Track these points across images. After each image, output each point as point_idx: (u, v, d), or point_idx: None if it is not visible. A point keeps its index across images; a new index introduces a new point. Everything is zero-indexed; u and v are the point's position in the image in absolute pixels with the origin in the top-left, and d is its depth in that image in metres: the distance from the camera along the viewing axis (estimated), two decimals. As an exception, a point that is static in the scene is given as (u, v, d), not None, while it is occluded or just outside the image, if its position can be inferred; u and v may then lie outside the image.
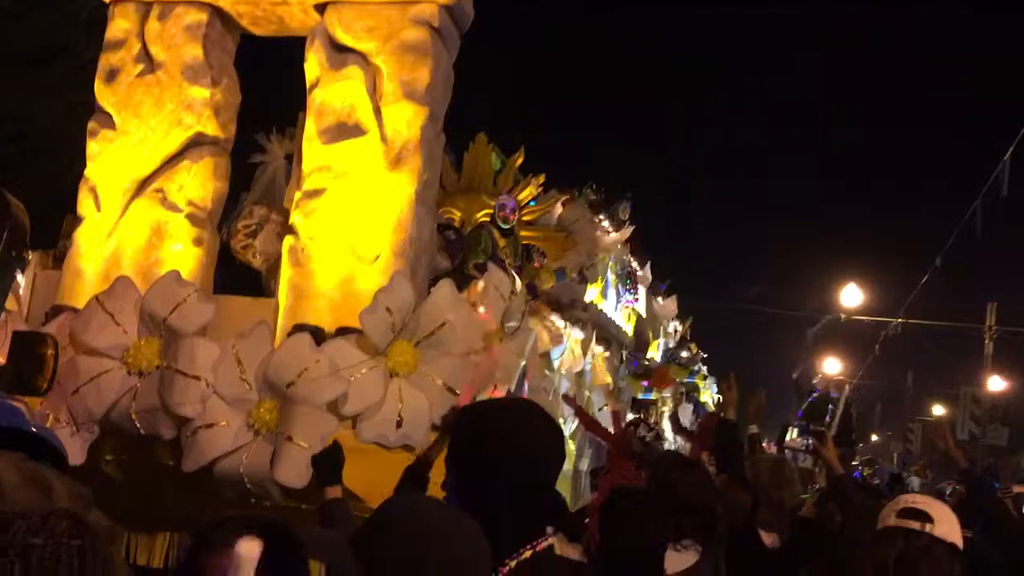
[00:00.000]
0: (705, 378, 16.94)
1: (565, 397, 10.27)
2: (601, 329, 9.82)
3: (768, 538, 4.59)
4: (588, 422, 7.78)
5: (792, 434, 8.03)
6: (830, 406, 14.47)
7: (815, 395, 15.54)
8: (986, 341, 31.11)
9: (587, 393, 8.76)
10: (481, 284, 6.15)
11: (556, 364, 7.67)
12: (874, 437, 41.72)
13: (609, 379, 9.41)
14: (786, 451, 8.14)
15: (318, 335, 5.76)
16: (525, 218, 9.70)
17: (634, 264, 11.88)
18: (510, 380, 6.50)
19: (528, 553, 2.27)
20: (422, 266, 6.29)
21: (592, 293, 10.00)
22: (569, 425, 8.40)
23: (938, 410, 36.57)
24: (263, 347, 5.62)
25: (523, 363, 6.61)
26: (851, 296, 33.52)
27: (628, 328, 11.55)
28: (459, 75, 6.57)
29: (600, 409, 9.18)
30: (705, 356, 17.87)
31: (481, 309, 6.08)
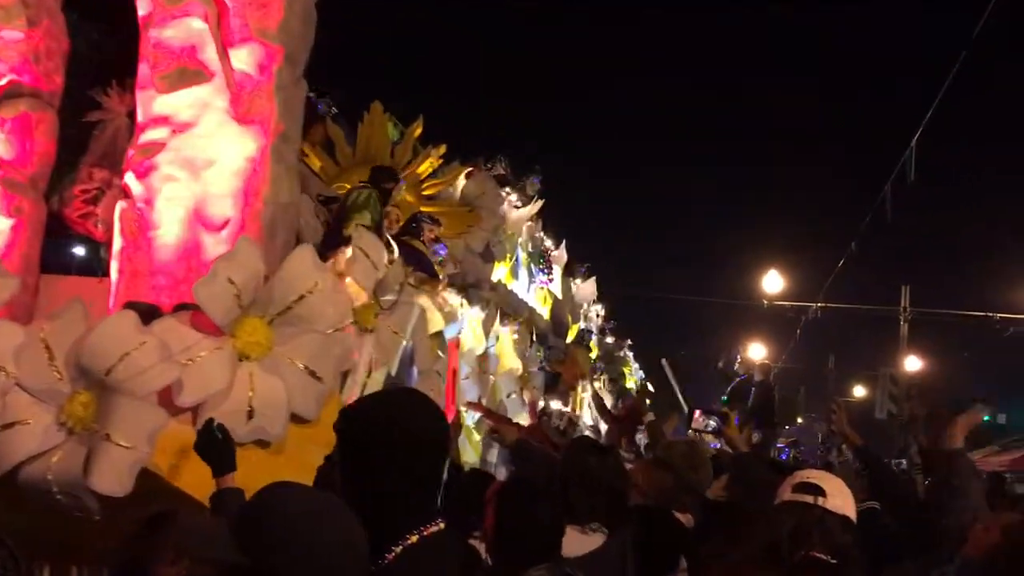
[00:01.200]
0: (626, 364, 15.99)
1: (469, 403, 9.25)
2: (511, 310, 8.79)
3: (684, 518, 4.48)
4: (496, 419, 6.97)
5: (698, 417, 7.42)
6: (752, 388, 13.89)
7: (738, 380, 14.97)
8: (901, 323, 31.01)
9: (491, 378, 7.72)
10: (349, 250, 5.07)
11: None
12: (800, 419, 41.47)
13: (518, 363, 8.39)
14: (692, 432, 7.42)
15: (150, 314, 4.62)
16: (425, 192, 8.64)
17: (548, 243, 10.87)
18: (389, 360, 5.43)
19: (415, 538, 2.18)
20: (281, 233, 5.19)
21: (501, 272, 8.96)
22: (472, 414, 7.35)
23: (859, 391, 36.39)
24: (76, 329, 4.45)
25: (405, 342, 5.54)
26: (772, 282, 33.06)
27: (544, 311, 10.53)
28: (356, 44, 5.49)
29: (509, 395, 8.16)
30: (631, 343, 16.97)
31: (349, 279, 5.00)
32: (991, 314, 28.74)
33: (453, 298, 6.65)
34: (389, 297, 5.35)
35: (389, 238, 5.63)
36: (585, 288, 13.09)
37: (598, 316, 14.24)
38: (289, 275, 4.75)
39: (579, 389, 11.30)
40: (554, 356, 11.31)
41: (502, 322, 8.16)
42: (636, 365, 18.46)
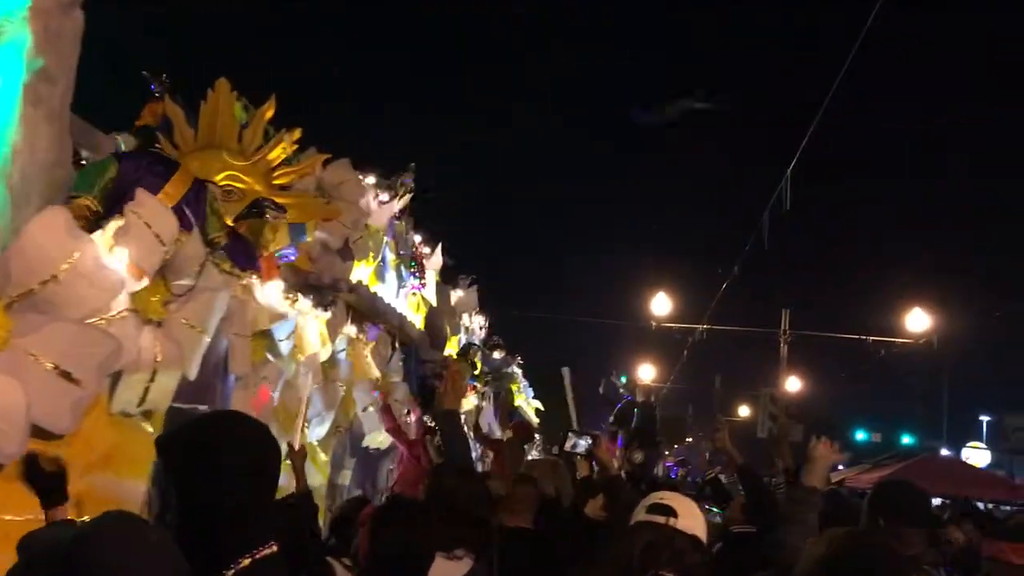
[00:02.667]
0: (514, 381, 14.82)
1: (384, 409, 7.96)
2: (373, 314, 7.56)
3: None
4: (396, 431, 7.24)
5: (570, 440, 6.90)
6: (635, 410, 13.47)
7: (622, 403, 14.46)
8: (782, 344, 31.17)
9: (342, 388, 6.46)
10: (122, 218, 3.77)
11: (286, 348, 5.34)
12: (688, 438, 41.21)
13: (376, 372, 7.17)
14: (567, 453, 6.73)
15: None
16: (277, 180, 7.32)
17: (423, 248, 9.65)
18: (183, 360, 4.14)
19: (247, 562, 2.04)
20: (37, 199, 3.86)
21: (364, 272, 7.70)
22: (317, 431, 6.08)
23: (744, 410, 36.24)
24: None
25: (206, 339, 4.26)
26: (661, 304, 32.86)
27: (417, 319, 9.30)
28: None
29: (365, 409, 6.90)
30: (521, 362, 15.84)
31: (119, 256, 3.71)
32: (864, 336, 28.90)
33: (278, 292, 5.36)
34: (184, 281, 4.08)
35: (185, 209, 4.34)
36: (465, 298, 11.90)
37: (481, 329, 13.07)
38: (33, 246, 3.45)
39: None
40: (432, 369, 10.10)
41: (359, 326, 6.92)
42: (525, 383, 17.32)
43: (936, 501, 21.27)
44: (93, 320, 3.63)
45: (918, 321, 26.53)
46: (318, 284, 7.14)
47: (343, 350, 6.33)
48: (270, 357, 5.20)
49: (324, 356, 5.99)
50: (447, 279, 11.16)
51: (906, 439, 38.11)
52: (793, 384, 31.88)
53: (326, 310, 5.95)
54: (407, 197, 8.28)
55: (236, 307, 4.72)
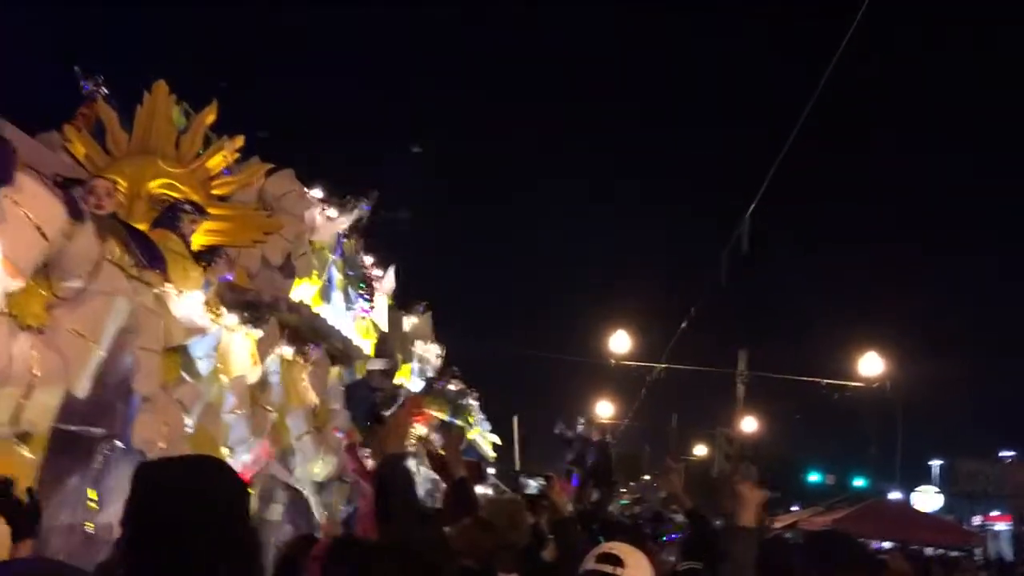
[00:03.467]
0: (469, 414, 14.12)
1: (350, 447, 7.26)
2: (317, 336, 6.92)
3: None
4: (362, 472, 6.42)
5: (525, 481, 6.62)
6: (590, 448, 13.04)
7: (578, 441, 14.04)
8: (738, 385, 30.92)
9: (272, 414, 5.80)
10: (-3, 206, 3.14)
11: (205, 367, 4.70)
12: (646, 476, 40.59)
13: (313, 398, 6.52)
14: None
15: None
16: (217, 191, 6.72)
17: (374, 269, 9.01)
18: (69, 374, 3.50)
19: None
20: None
21: (307, 291, 7.07)
22: (238, 460, 5.40)
23: (700, 450, 35.74)
24: None
25: (98, 351, 3.62)
26: (620, 342, 32.44)
27: (365, 344, 8.64)
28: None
29: (301, 437, 6.24)
30: (476, 394, 15.15)
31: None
32: (819, 380, 28.69)
33: (194, 301, 4.72)
34: (72, 283, 3.45)
35: (81, 204, 3.71)
36: (420, 325, 11.25)
37: (436, 358, 12.41)
38: None
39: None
40: (382, 399, 9.45)
41: (296, 347, 6.28)
42: (482, 416, 16.62)
43: (886, 544, 20.91)
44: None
45: (872, 365, 26.35)
46: (256, 302, 6.51)
47: (276, 372, 5.69)
48: (185, 376, 4.56)
49: (253, 378, 5.35)
50: (400, 304, 10.53)
51: (858, 481, 37.81)
52: (749, 424, 31.64)
53: (256, 327, 5.31)
54: (355, 213, 7.67)
55: (145, 318, 4.09)
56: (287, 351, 6.01)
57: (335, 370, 7.52)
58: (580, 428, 16.91)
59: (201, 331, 4.58)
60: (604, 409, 35.49)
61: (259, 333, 5.37)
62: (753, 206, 17.71)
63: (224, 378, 5.04)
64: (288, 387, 6.11)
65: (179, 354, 4.47)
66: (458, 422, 11.43)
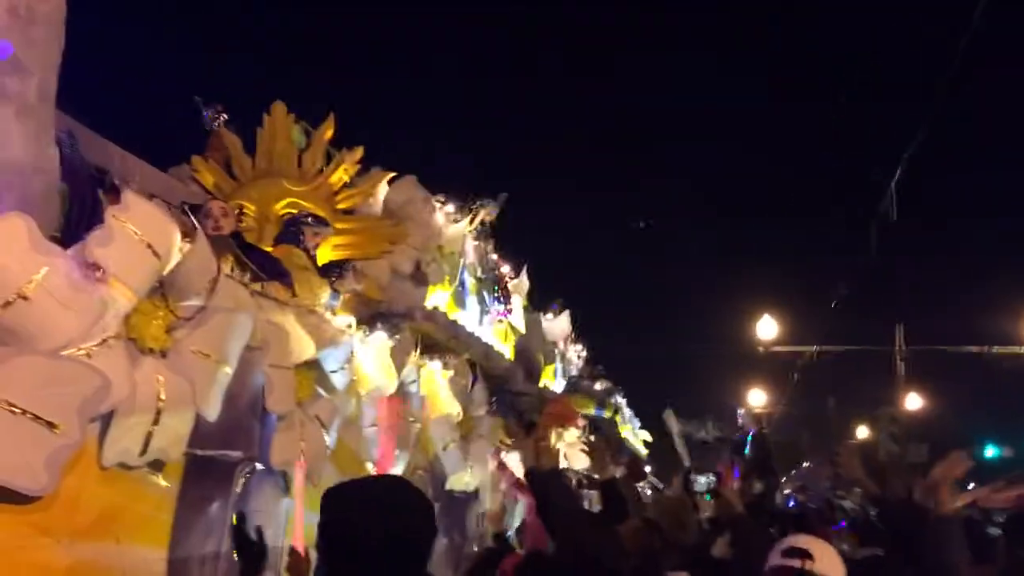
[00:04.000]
0: (617, 412, 13.66)
1: (500, 464, 7.08)
2: (454, 344, 6.68)
3: None
4: (519, 486, 6.52)
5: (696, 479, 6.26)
6: (748, 439, 12.52)
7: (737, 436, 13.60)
8: (897, 361, 29.28)
9: (416, 425, 5.56)
10: (105, 227, 2.98)
11: (341, 381, 4.49)
12: (805, 463, 39.00)
13: (457, 407, 6.27)
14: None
15: None
16: (341, 205, 6.58)
17: (504, 268, 8.71)
18: (197, 396, 3.32)
19: None
20: (5, 206, 3.09)
21: (440, 298, 6.84)
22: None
23: (862, 432, 33.99)
24: None
25: (226, 370, 3.43)
26: (767, 328, 31.25)
27: (505, 348, 8.37)
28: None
29: (446, 448, 6.00)
30: (621, 390, 14.66)
31: (94, 272, 2.91)
32: (987, 348, 26.82)
33: (329, 312, 4.51)
34: (191, 302, 3.27)
35: (192, 219, 3.52)
36: (558, 324, 10.89)
37: (579, 358, 12.02)
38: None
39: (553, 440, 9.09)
40: (528, 403, 9.16)
41: (433, 357, 6.04)
42: (630, 413, 16.14)
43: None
44: (70, 351, 2.84)
45: None
46: (390, 313, 6.32)
47: (414, 382, 5.46)
48: (321, 392, 4.37)
49: (390, 390, 5.13)
50: (536, 305, 10.21)
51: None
52: (913, 402, 30.05)
53: (389, 337, 5.09)
54: (482, 213, 7.40)
55: (272, 334, 3.91)
56: (424, 360, 5.78)
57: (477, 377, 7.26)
58: (740, 419, 16.22)
59: (332, 344, 4.39)
60: (756, 397, 34.43)
61: (392, 343, 5.15)
62: (899, 172, 16.87)
63: (361, 391, 4.84)
64: (429, 396, 5.89)
65: (312, 369, 4.29)
66: (606, 414, 11.03)
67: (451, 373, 6.16)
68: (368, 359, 4.98)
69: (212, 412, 3.38)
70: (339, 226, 6.46)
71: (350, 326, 4.71)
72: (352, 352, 4.57)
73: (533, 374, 9.42)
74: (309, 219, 5.31)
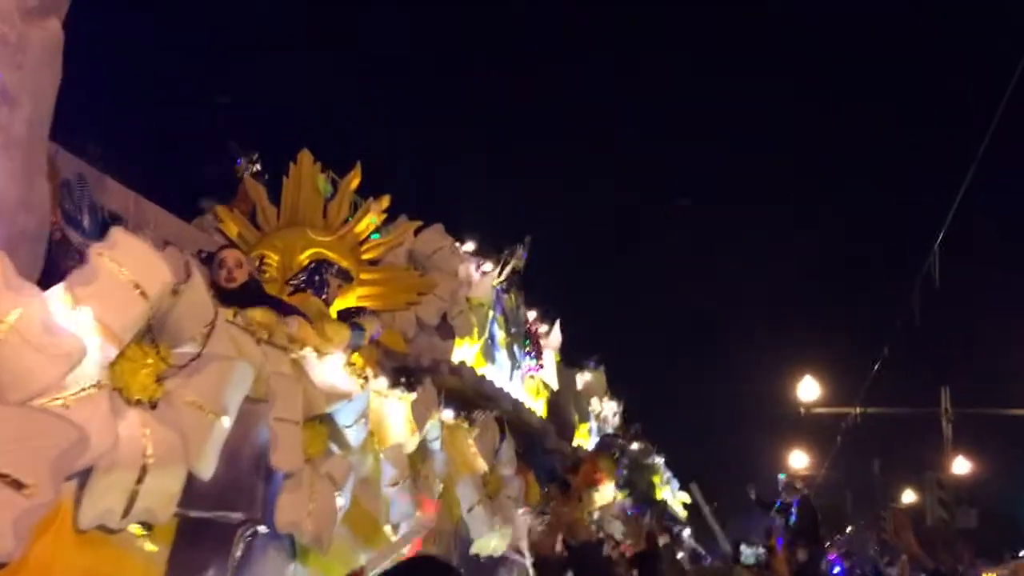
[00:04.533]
0: (656, 474, 13.11)
1: (539, 537, 6.66)
2: (482, 400, 6.33)
3: None
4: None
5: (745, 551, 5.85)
6: (792, 509, 11.99)
7: (776, 506, 12.99)
8: (944, 424, 28.51)
9: (439, 484, 5.19)
10: (88, 265, 2.71)
11: (356, 437, 4.16)
12: (849, 527, 37.62)
13: (482, 464, 5.89)
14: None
15: None
16: (367, 255, 6.32)
17: (538, 325, 8.36)
18: (190, 452, 3.01)
19: None
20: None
21: (468, 351, 6.51)
22: (404, 536, 4.79)
23: (908, 496, 32.74)
24: None
25: (223, 422, 3.11)
26: (808, 389, 30.49)
27: (537, 405, 7.99)
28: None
29: (471, 509, 5.60)
30: (658, 450, 14.12)
31: (82, 314, 2.63)
32: (1034, 409, 26.06)
33: (338, 360, 4.19)
34: (185, 349, 2.97)
35: (189, 258, 3.26)
36: (593, 381, 10.45)
37: (615, 415, 11.55)
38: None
39: (593, 499, 8.62)
40: (560, 462, 8.73)
41: (459, 412, 5.69)
42: (669, 474, 15.53)
43: None
44: (44, 401, 2.55)
45: None
46: (415, 367, 6.00)
47: (437, 438, 5.11)
48: (334, 448, 4.05)
49: (411, 447, 4.78)
50: (569, 360, 9.81)
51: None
52: (961, 466, 29.04)
53: (410, 390, 4.76)
54: (512, 263, 7.10)
55: (279, 385, 3.59)
56: (447, 415, 5.43)
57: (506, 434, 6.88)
58: (780, 484, 15.59)
59: (346, 397, 4.07)
60: (798, 460, 33.48)
61: (412, 396, 4.82)
62: (942, 235, 16.56)
63: (379, 447, 4.50)
64: (453, 454, 5.53)
65: (324, 424, 3.97)
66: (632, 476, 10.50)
67: (477, 430, 5.80)
68: (388, 414, 4.65)
69: (207, 469, 3.07)
70: (364, 276, 6.20)
71: (366, 378, 4.39)
72: (366, 406, 4.25)
73: (566, 432, 9.01)
74: (332, 268, 5.04)
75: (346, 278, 5.16)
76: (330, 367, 4.10)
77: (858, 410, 28.40)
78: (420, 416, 4.76)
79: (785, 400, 29.90)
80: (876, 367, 25.11)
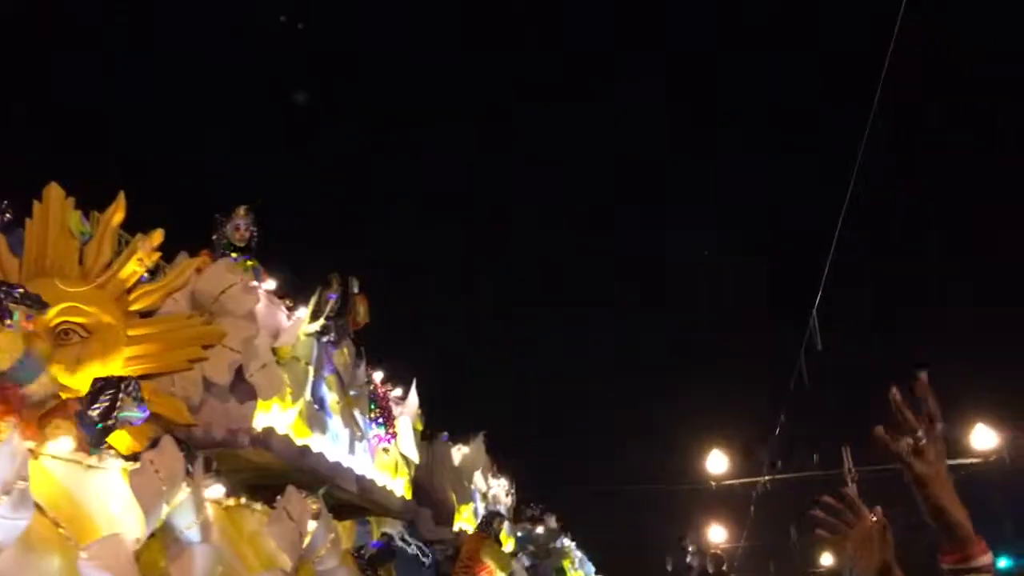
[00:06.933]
0: (567, 558, 11.33)
1: None
2: (307, 475, 4.66)
3: None
4: None
5: None
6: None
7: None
8: (849, 484, 27.65)
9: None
10: None
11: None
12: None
13: (286, 561, 4.16)
14: None
15: None
16: (135, 305, 4.67)
17: (387, 387, 6.71)
18: None
19: None
20: None
21: (281, 418, 4.85)
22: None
23: (826, 559, 31.45)
24: None
25: None
26: (717, 462, 29.42)
27: (397, 484, 6.27)
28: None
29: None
30: (564, 530, 12.38)
31: None
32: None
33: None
34: None
35: None
36: (473, 454, 8.73)
37: (508, 495, 9.80)
38: None
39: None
40: (444, 552, 7.01)
41: (255, 495, 4.01)
42: (581, 556, 13.72)
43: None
44: None
45: (984, 438, 23.72)
46: (208, 443, 4.33)
47: (191, 525, 3.34)
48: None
49: (135, 535, 3.05)
50: (439, 429, 8.12)
51: (1002, 562, 32.58)
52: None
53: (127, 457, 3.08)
54: (329, 303, 5.52)
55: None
56: (214, 493, 3.72)
57: (347, 523, 5.20)
58: (689, 557, 14.24)
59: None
60: (716, 534, 32.12)
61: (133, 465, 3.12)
62: (819, 299, 16.13)
63: (79, 544, 2.80)
64: (240, 548, 3.81)
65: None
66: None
67: (271, 516, 4.08)
68: (94, 494, 2.98)
69: None
70: (132, 333, 4.55)
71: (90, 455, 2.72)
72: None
73: (443, 516, 7.28)
74: (18, 292, 3.41)
75: (38, 304, 3.51)
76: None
77: (766, 478, 27.55)
78: (147, 493, 3.06)
79: (695, 474, 28.72)
80: (777, 432, 24.54)
